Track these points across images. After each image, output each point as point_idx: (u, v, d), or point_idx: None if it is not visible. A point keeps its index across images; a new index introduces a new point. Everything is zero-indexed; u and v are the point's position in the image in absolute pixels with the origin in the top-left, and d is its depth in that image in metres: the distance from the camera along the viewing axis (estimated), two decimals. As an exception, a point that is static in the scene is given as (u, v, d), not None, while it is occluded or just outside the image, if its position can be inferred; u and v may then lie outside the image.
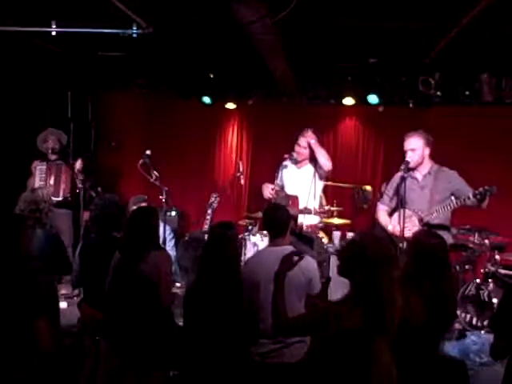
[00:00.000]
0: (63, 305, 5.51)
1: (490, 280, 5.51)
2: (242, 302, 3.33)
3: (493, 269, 5.58)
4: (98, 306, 3.75)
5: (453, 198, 4.70)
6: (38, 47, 6.39)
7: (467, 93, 6.70)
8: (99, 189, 6.48)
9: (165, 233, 5.53)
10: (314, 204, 5.51)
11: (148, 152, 5.93)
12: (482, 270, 5.68)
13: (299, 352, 3.32)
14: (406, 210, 4.67)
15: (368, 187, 6.86)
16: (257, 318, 3.41)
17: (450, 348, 4.84)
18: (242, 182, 7.07)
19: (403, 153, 4.90)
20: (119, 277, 3.61)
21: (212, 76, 7.42)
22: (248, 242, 6.00)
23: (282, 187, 5.73)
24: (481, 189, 4.50)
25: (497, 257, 5.67)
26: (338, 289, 2.82)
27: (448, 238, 4.44)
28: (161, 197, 5.78)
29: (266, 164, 6.98)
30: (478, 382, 4.38)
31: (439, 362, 3.09)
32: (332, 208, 6.25)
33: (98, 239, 4.04)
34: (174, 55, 6.96)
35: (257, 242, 5.91)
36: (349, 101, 7.19)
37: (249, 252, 5.85)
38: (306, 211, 5.41)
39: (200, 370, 3.27)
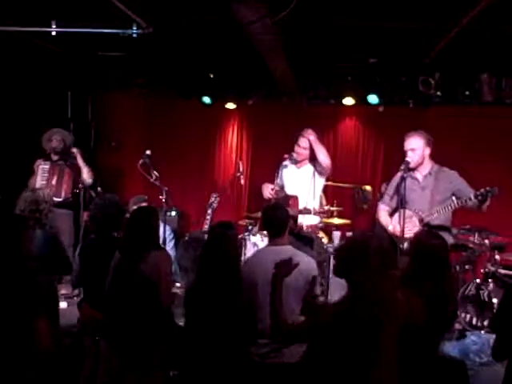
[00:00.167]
0: (63, 305, 5.50)
1: (489, 280, 5.51)
2: (242, 302, 3.33)
3: (493, 269, 5.57)
4: (97, 306, 3.74)
5: (454, 198, 4.69)
6: (38, 47, 6.39)
7: (467, 93, 6.70)
8: (99, 189, 6.48)
9: (165, 233, 5.53)
10: (313, 204, 5.50)
11: (148, 152, 5.92)
12: (481, 270, 5.68)
13: (299, 352, 3.31)
14: (407, 211, 4.67)
15: (368, 187, 6.86)
16: (255, 317, 3.42)
17: (450, 348, 4.83)
18: (242, 182, 7.07)
19: (403, 153, 4.90)
20: (119, 277, 3.61)
21: (212, 76, 7.42)
22: (248, 242, 5.99)
23: (282, 187, 5.73)
24: (482, 190, 4.49)
25: (497, 257, 5.67)
26: (337, 290, 2.83)
27: (449, 238, 4.44)
28: (161, 197, 5.78)
29: (266, 164, 6.97)
30: (478, 381, 4.38)
31: (439, 362, 3.09)
32: (332, 208, 6.25)
33: (98, 239, 4.04)
34: (173, 55, 6.96)
35: (257, 242, 5.90)
36: (349, 101, 7.19)
37: (249, 252, 5.84)
38: (306, 211, 5.40)
39: (200, 370, 3.27)
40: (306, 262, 3.53)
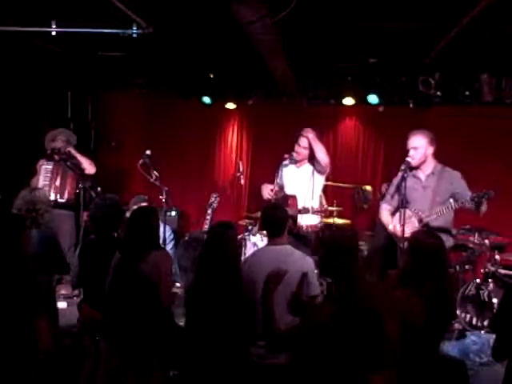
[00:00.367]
0: (63, 305, 5.51)
1: (490, 280, 5.51)
2: (242, 302, 3.32)
3: (493, 269, 5.57)
4: (97, 306, 3.74)
5: (451, 200, 4.68)
6: (38, 47, 6.39)
7: (467, 93, 6.70)
8: (99, 189, 6.47)
9: (165, 233, 5.53)
10: (312, 203, 5.49)
11: (148, 152, 5.93)
12: (481, 270, 5.68)
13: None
14: (407, 211, 4.67)
15: (368, 187, 6.86)
16: (255, 318, 3.41)
17: (450, 348, 4.84)
18: (242, 182, 7.07)
19: (403, 153, 4.90)
20: (119, 277, 3.61)
21: (212, 76, 7.42)
22: (248, 242, 6.00)
23: (282, 187, 5.73)
24: (478, 193, 4.49)
25: (497, 257, 5.67)
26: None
27: (448, 240, 4.43)
28: (161, 197, 5.78)
29: (266, 164, 6.97)
30: (478, 381, 4.38)
31: (439, 362, 3.09)
32: (332, 208, 6.25)
33: (98, 240, 4.04)
34: (173, 55, 6.96)
35: (257, 242, 5.91)
36: (349, 101, 7.19)
37: (249, 252, 5.85)
38: (305, 211, 5.40)
39: (200, 370, 3.27)
40: (298, 261, 3.53)
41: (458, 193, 4.66)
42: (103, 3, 4.35)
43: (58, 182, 6.35)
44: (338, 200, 6.67)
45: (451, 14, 4.73)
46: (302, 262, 3.55)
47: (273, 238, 3.72)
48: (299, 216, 5.39)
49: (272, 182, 5.76)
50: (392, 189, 5.03)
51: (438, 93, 6.71)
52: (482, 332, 5.18)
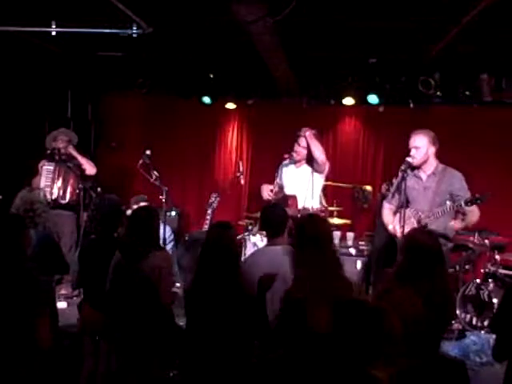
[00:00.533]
0: (63, 305, 5.51)
1: (490, 280, 5.51)
2: (242, 302, 3.32)
3: (493, 269, 5.57)
4: (98, 306, 3.75)
5: (448, 202, 4.65)
6: (38, 47, 6.39)
7: (467, 93, 6.69)
8: (99, 189, 6.48)
9: (165, 233, 5.53)
10: (312, 203, 5.50)
11: (148, 152, 5.93)
12: (482, 270, 5.68)
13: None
14: (407, 211, 4.67)
15: (368, 187, 6.86)
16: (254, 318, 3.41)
17: (450, 348, 4.84)
18: (242, 182, 7.07)
19: (403, 153, 4.90)
20: (119, 277, 3.61)
21: (212, 76, 7.42)
22: (248, 242, 6.00)
23: (282, 187, 5.73)
24: (472, 197, 4.48)
25: (497, 257, 5.67)
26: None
27: (445, 243, 4.42)
28: (161, 197, 5.78)
29: (266, 164, 6.98)
30: (478, 382, 4.38)
31: (439, 362, 3.09)
32: (332, 208, 6.24)
33: (97, 240, 4.04)
34: (173, 55, 6.96)
35: (257, 242, 5.90)
36: (349, 101, 7.19)
37: (249, 252, 5.84)
38: (305, 211, 5.40)
39: (200, 371, 3.27)
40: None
41: (457, 195, 4.63)
42: (103, 3, 4.36)
43: (59, 183, 6.35)
44: (338, 200, 6.68)
45: (451, 14, 4.73)
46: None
47: (272, 239, 3.73)
48: (299, 216, 5.39)
49: (272, 182, 5.76)
50: (393, 188, 5.03)
51: (438, 93, 6.70)
52: (482, 332, 5.18)
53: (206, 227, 6.42)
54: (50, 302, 4.20)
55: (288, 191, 5.67)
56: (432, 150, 4.79)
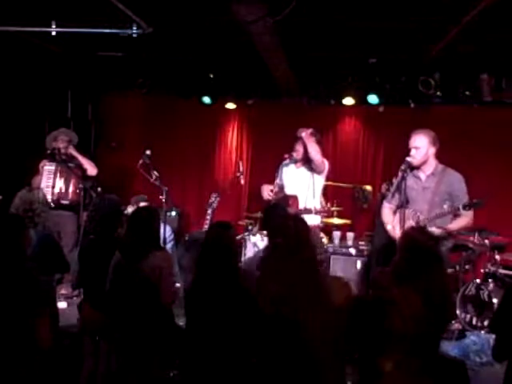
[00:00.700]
0: (63, 305, 5.51)
1: (490, 280, 5.50)
2: (243, 302, 3.32)
3: (493, 269, 5.57)
4: (98, 306, 3.75)
5: (445, 206, 4.63)
6: (38, 47, 6.39)
7: (467, 93, 6.69)
8: (99, 189, 6.47)
9: (165, 233, 5.53)
10: (313, 203, 5.50)
11: (148, 152, 5.93)
12: (482, 270, 5.68)
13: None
14: (406, 212, 4.66)
15: (368, 187, 6.86)
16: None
17: (450, 348, 4.84)
18: (242, 182, 7.07)
19: (403, 153, 4.89)
20: (119, 277, 3.61)
21: (212, 76, 7.42)
22: (248, 242, 5.99)
23: (282, 187, 5.73)
24: (470, 201, 4.47)
25: (497, 257, 5.67)
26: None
27: (443, 244, 4.42)
28: (161, 197, 5.78)
29: (266, 164, 6.98)
30: (478, 382, 4.38)
31: (439, 362, 3.09)
32: (332, 208, 6.24)
33: (97, 240, 4.04)
34: (173, 55, 6.96)
35: (257, 242, 5.90)
36: (349, 101, 7.19)
37: (249, 252, 5.85)
38: (306, 211, 5.40)
39: (200, 371, 3.27)
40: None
41: (457, 196, 4.62)
42: (103, 3, 4.36)
43: (61, 183, 6.34)
44: (338, 200, 6.68)
45: (451, 14, 4.73)
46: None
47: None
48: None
49: (272, 182, 5.76)
50: (393, 188, 5.03)
51: (438, 93, 6.70)
52: (482, 332, 5.18)
53: (206, 227, 6.43)
54: (51, 302, 4.20)
55: (288, 191, 5.67)
56: (432, 150, 4.78)
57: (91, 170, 6.44)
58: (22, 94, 7.06)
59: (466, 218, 4.62)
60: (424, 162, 4.78)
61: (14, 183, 5.74)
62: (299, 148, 5.59)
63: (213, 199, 6.57)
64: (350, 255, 6.28)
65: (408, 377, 2.34)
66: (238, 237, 5.64)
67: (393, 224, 4.83)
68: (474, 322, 5.38)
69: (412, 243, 3.21)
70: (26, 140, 7.00)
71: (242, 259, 5.64)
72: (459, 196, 4.60)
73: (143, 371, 3.50)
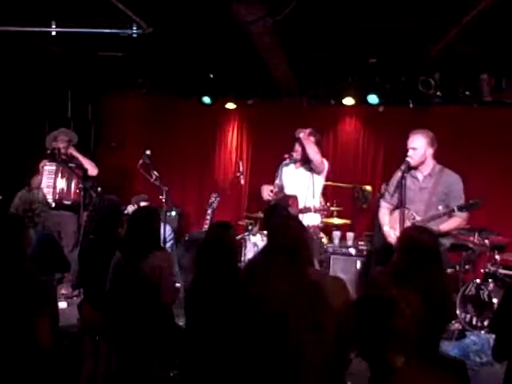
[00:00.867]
0: (63, 305, 5.51)
1: (490, 280, 5.50)
2: (242, 302, 3.32)
3: (493, 269, 5.58)
4: (98, 306, 3.75)
5: (440, 207, 4.62)
6: (38, 47, 6.39)
7: (467, 93, 6.69)
8: (99, 189, 6.47)
9: (165, 233, 5.53)
10: (313, 203, 5.50)
11: (148, 152, 5.93)
12: (482, 270, 5.68)
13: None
14: (404, 212, 4.66)
15: (368, 187, 6.87)
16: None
17: (450, 348, 4.84)
18: (242, 182, 7.07)
19: (403, 153, 4.89)
20: (119, 277, 3.61)
21: (212, 76, 7.42)
22: (248, 242, 5.99)
23: (282, 187, 5.73)
24: (466, 203, 4.46)
25: (497, 257, 5.67)
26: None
27: (441, 243, 4.41)
28: (161, 197, 5.78)
29: (266, 164, 6.98)
30: (478, 382, 4.38)
31: (439, 362, 3.09)
32: (332, 208, 6.24)
33: (97, 240, 4.04)
34: (173, 55, 6.96)
35: (257, 242, 5.90)
36: (349, 101, 7.19)
37: (249, 252, 5.85)
38: (306, 210, 5.40)
39: (200, 371, 3.27)
40: None
41: (454, 196, 4.61)
42: (103, 3, 4.36)
43: (63, 183, 6.34)
44: (338, 200, 6.68)
45: (451, 14, 4.73)
46: None
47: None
48: (300, 216, 5.39)
49: (272, 182, 5.76)
50: (391, 188, 5.01)
51: (438, 93, 6.70)
52: (482, 332, 5.18)
53: (206, 227, 6.43)
54: (51, 302, 4.21)
55: (288, 191, 5.67)
56: (430, 151, 4.77)
57: (92, 170, 6.44)
58: (22, 93, 7.06)
59: (458, 219, 4.61)
60: (421, 163, 4.78)
61: (14, 183, 5.74)
62: (299, 148, 5.59)
63: (213, 199, 6.58)
64: (350, 255, 6.28)
65: (418, 375, 2.34)
66: (238, 237, 5.64)
67: (389, 225, 4.82)
68: (474, 321, 5.38)
69: (410, 242, 3.21)
70: (26, 140, 7.00)
71: (242, 259, 5.65)
72: (456, 197, 4.59)
73: (143, 371, 3.50)
